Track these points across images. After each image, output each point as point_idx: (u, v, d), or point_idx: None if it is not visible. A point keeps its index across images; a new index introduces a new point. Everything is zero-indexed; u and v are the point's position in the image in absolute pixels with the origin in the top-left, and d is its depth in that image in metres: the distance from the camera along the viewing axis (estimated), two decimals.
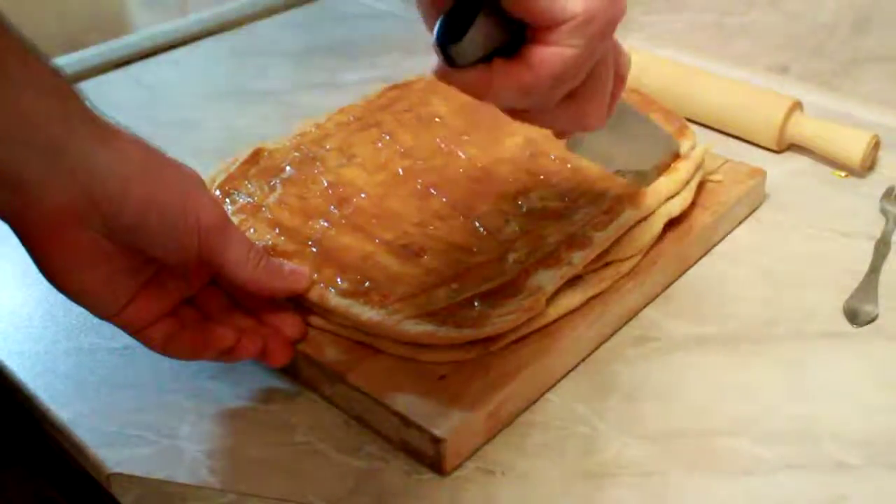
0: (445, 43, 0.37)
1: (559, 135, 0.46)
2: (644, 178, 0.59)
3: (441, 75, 0.39)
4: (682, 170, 0.61)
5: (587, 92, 0.41)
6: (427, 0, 0.39)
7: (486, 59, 0.38)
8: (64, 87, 0.43)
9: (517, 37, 0.38)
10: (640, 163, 0.59)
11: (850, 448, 0.48)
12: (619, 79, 0.44)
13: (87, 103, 0.44)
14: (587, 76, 0.40)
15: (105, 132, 0.44)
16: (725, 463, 0.47)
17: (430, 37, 0.38)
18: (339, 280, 0.52)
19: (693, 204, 0.62)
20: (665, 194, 0.60)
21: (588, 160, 0.58)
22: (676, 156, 0.62)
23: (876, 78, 0.78)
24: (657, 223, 0.58)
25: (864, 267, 0.61)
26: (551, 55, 0.37)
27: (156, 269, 0.48)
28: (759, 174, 0.67)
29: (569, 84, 0.39)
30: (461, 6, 0.37)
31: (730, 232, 0.65)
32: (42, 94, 0.42)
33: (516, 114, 0.42)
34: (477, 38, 0.37)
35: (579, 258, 0.54)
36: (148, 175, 0.44)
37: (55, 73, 0.43)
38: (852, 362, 0.54)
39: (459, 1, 0.37)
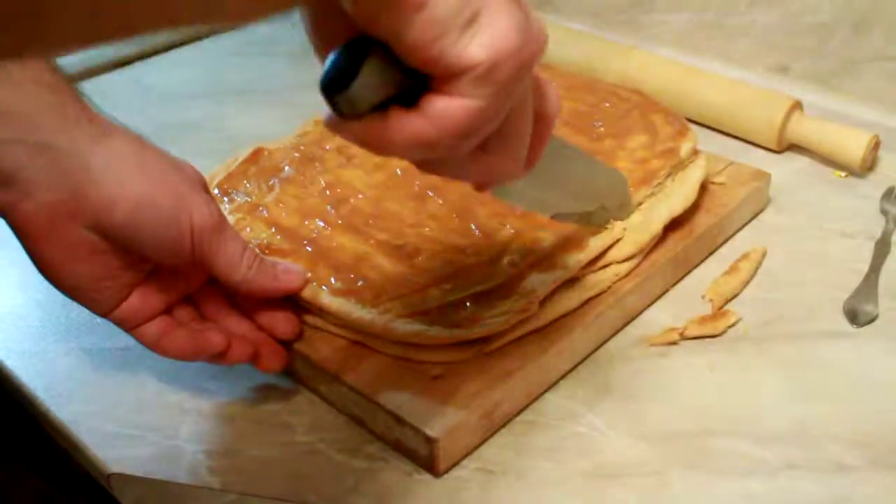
0: (331, 91, 0.32)
1: (477, 187, 0.41)
2: (590, 219, 0.55)
3: (330, 126, 0.34)
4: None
5: (502, 142, 0.36)
6: (316, 31, 0.34)
7: (383, 106, 0.33)
8: (61, 85, 0.43)
9: (417, 82, 0.32)
10: (582, 205, 0.53)
11: (851, 448, 0.48)
12: (546, 121, 0.39)
13: (85, 100, 0.44)
14: (502, 124, 0.35)
15: (101, 131, 0.44)
16: (725, 463, 0.47)
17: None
18: (332, 279, 0.52)
19: (695, 206, 0.61)
20: (671, 210, 0.59)
21: (519, 206, 0.54)
22: (626, 201, 0.58)
23: (876, 78, 0.78)
24: (656, 225, 0.58)
25: (864, 267, 0.61)
26: (454, 108, 0.32)
27: (152, 267, 0.48)
28: (763, 177, 0.67)
29: (477, 137, 0.34)
30: (350, 46, 0.32)
31: (732, 234, 0.65)
32: (38, 91, 0.42)
33: (422, 165, 0.37)
34: (368, 85, 0.32)
35: (574, 262, 0.54)
36: (142, 177, 0.44)
37: (53, 69, 0.43)
38: (852, 362, 0.54)
39: (348, 41, 0.32)
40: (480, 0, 0.31)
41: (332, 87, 0.32)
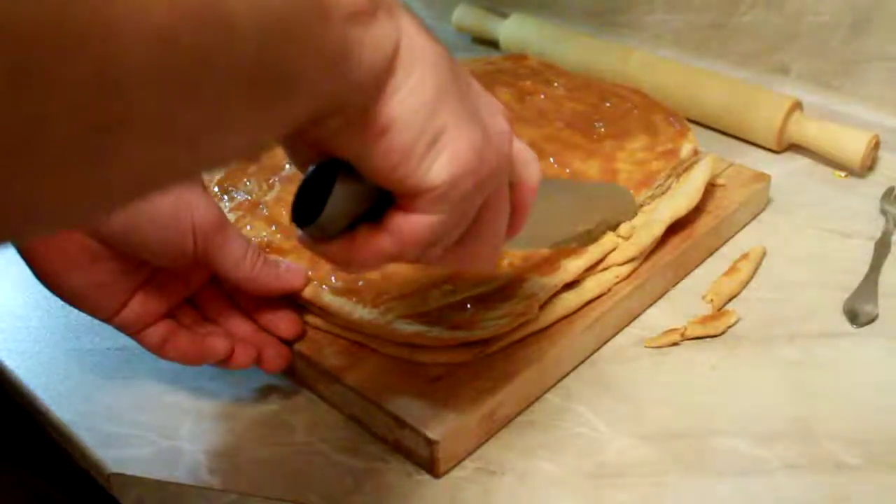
0: (301, 222, 0.34)
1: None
2: (591, 236, 0.56)
3: (304, 245, 0.36)
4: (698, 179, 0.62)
5: (474, 237, 0.37)
6: (292, 154, 0.35)
7: (351, 226, 0.35)
8: None
9: (382, 200, 0.34)
10: (578, 228, 0.54)
11: (850, 448, 0.48)
12: (526, 190, 0.39)
13: None
14: (473, 221, 0.36)
15: None
16: (725, 463, 0.47)
17: None
18: (333, 279, 0.52)
19: (696, 208, 0.61)
20: (674, 212, 0.59)
21: (513, 251, 0.54)
22: (631, 210, 0.59)
23: (876, 78, 0.78)
24: (658, 227, 0.58)
25: (864, 267, 0.61)
26: (414, 223, 0.33)
27: (152, 271, 0.48)
28: (764, 179, 0.66)
29: (441, 245, 0.35)
30: (318, 172, 0.34)
31: (732, 235, 0.65)
32: None
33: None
34: (335, 214, 0.34)
35: (574, 266, 0.54)
36: None
37: None
38: (852, 362, 0.54)
39: (312, 172, 0.34)
40: (441, 121, 0.32)
41: (302, 218, 0.34)
